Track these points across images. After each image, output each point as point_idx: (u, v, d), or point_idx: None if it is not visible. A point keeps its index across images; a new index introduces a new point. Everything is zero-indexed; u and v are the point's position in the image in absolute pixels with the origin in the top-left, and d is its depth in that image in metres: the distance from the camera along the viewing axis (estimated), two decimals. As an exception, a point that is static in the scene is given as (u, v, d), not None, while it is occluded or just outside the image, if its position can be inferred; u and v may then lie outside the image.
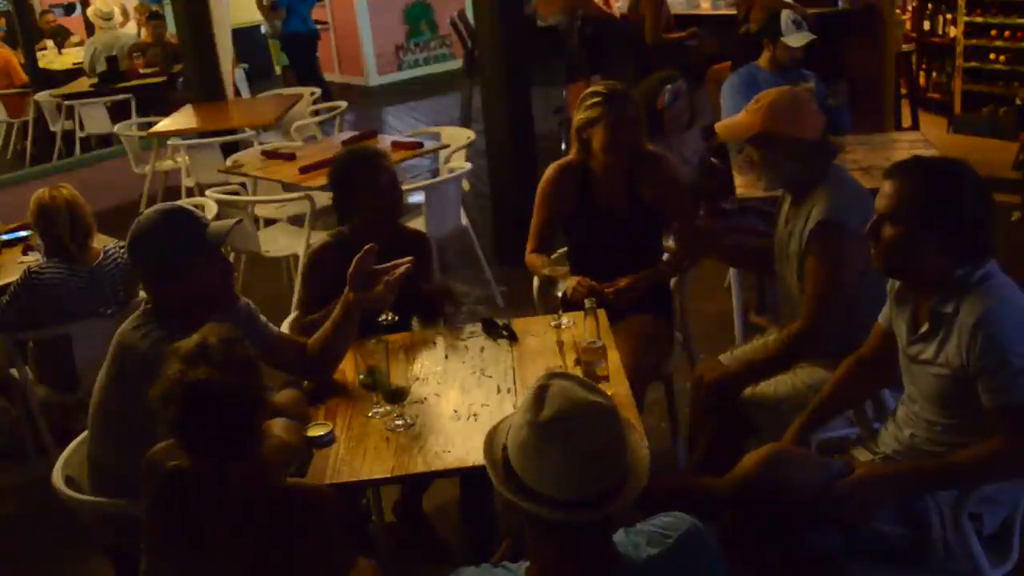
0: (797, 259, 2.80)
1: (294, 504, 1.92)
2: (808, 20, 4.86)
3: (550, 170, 3.38)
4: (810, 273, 2.74)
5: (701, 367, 3.22)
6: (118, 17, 9.07)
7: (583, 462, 1.46)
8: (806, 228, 2.73)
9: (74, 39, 10.46)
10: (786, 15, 4.65)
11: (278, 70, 11.77)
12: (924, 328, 2.25)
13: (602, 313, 2.81)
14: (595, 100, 3.20)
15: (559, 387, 1.52)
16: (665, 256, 3.45)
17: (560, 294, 2.93)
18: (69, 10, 11.17)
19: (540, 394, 1.51)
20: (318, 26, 12.63)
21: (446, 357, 2.82)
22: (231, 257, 4.83)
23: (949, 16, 7.70)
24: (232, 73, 7.91)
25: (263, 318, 2.70)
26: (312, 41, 10.27)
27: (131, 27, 9.61)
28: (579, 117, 3.25)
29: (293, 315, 3.24)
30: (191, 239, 2.37)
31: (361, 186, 3.06)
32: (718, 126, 2.99)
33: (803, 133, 2.74)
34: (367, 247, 2.66)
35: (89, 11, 9.40)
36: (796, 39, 4.61)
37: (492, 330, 2.93)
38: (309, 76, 9.81)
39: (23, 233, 4.32)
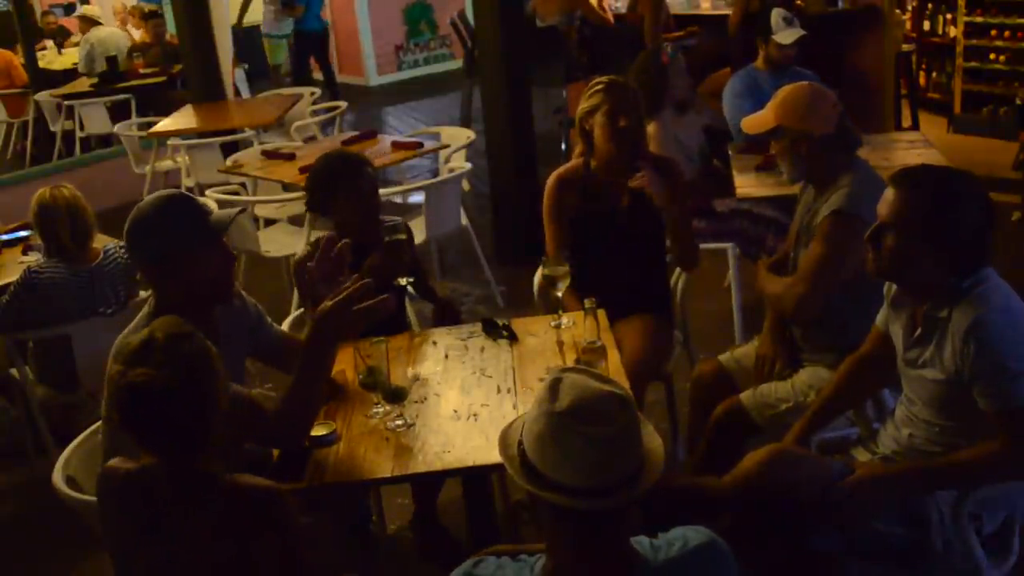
0: None
1: (245, 502, 1.89)
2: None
3: (552, 180, 3.35)
4: (809, 251, 2.77)
5: (701, 367, 3.22)
6: (113, 21, 9.08)
7: (600, 448, 1.48)
8: (820, 212, 2.76)
9: (74, 39, 10.46)
10: (776, 13, 4.66)
11: (285, 69, 11.83)
12: (918, 332, 2.26)
13: (602, 313, 2.81)
14: (596, 89, 3.21)
15: (572, 379, 1.55)
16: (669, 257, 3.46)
17: (560, 294, 2.92)
18: (69, 10, 11.17)
19: (554, 386, 1.54)
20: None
21: (446, 357, 2.82)
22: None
23: (949, 16, 7.70)
24: (232, 73, 7.91)
25: (268, 319, 2.69)
26: (327, 38, 10.44)
27: (129, 27, 9.61)
28: (581, 107, 3.25)
29: (295, 314, 3.25)
30: (193, 225, 2.30)
31: (342, 191, 3.07)
32: (744, 122, 3.01)
33: (814, 128, 2.76)
34: (339, 245, 2.50)
35: (78, 16, 9.42)
36: (786, 36, 4.62)
37: (492, 330, 2.92)
38: (321, 72, 9.93)
39: (23, 233, 4.33)
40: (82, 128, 7.92)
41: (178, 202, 2.34)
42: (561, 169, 3.38)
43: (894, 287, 2.39)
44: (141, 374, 1.81)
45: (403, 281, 3.02)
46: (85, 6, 9.19)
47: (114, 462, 1.96)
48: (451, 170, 5.24)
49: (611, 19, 7.86)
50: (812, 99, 2.81)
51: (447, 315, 3.23)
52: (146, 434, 1.87)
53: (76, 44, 9.99)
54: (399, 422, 2.45)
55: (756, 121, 2.94)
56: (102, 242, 3.74)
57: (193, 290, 2.32)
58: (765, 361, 2.96)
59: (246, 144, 6.17)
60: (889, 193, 2.21)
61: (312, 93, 7.85)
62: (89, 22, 8.93)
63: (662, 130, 4.35)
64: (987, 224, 2.17)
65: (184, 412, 1.84)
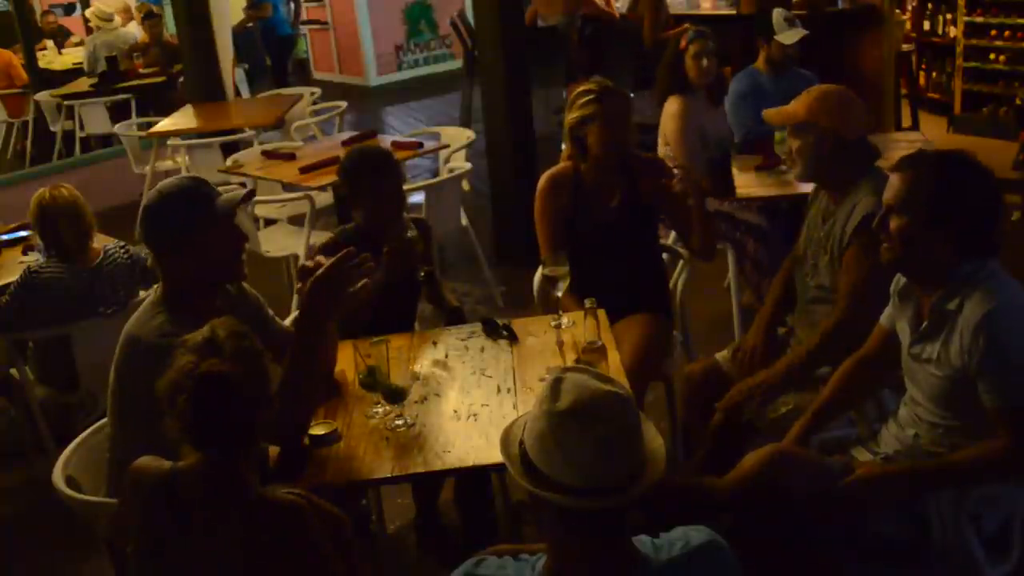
0: (838, 254, 2.80)
1: (267, 517, 1.88)
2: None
3: (543, 182, 3.35)
4: (850, 266, 2.74)
5: (692, 366, 3.22)
6: (118, 20, 9.10)
7: (601, 448, 1.49)
8: (849, 223, 2.74)
9: (74, 39, 10.47)
10: (778, 13, 4.67)
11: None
12: (925, 325, 2.25)
13: (602, 313, 2.81)
14: (589, 98, 3.20)
15: (573, 379, 1.55)
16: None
17: (559, 294, 2.92)
18: (69, 10, 11.19)
19: (555, 386, 1.54)
20: (317, 26, 12.81)
21: (446, 357, 2.82)
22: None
23: (949, 16, 7.69)
24: (232, 73, 7.91)
25: (270, 312, 2.70)
26: (293, 43, 11.19)
27: (132, 26, 9.62)
28: (572, 116, 3.24)
29: (296, 313, 3.25)
30: (207, 207, 2.37)
31: (366, 191, 3.09)
32: (767, 113, 2.99)
33: (842, 130, 2.76)
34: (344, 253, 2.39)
35: (88, 12, 9.44)
36: (789, 36, 4.62)
37: (492, 330, 2.92)
38: (284, 78, 10.29)
39: (23, 233, 4.33)
40: (82, 128, 7.92)
41: (194, 185, 2.41)
42: (552, 170, 3.38)
43: (901, 281, 2.39)
44: (216, 364, 1.83)
45: (422, 272, 3.07)
46: (97, 3, 9.19)
47: (145, 460, 1.96)
48: (451, 170, 5.23)
49: (616, 14, 7.86)
50: (846, 102, 2.80)
51: (454, 323, 3.23)
52: (211, 425, 1.86)
53: (77, 44, 9.99)
54: (399, 422, 2.45)
55: (783, 113, 2.91)
56: (102, 242, 3.73)
57: (204, 272, 2.38)
58: (752, 352, 2.96)
59: (246, 144, 6.17)
60: (893, 178, 2.23)
61: (312, 93, 7.85)
62: (99, 20, 8.94)
63: (686, 112, 4.38)
64: (992, 203, 2.18)
65: (247, 406, 1.87)
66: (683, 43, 4.48)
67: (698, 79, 4.46)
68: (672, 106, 4.48)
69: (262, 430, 2.25)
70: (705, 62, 4.43)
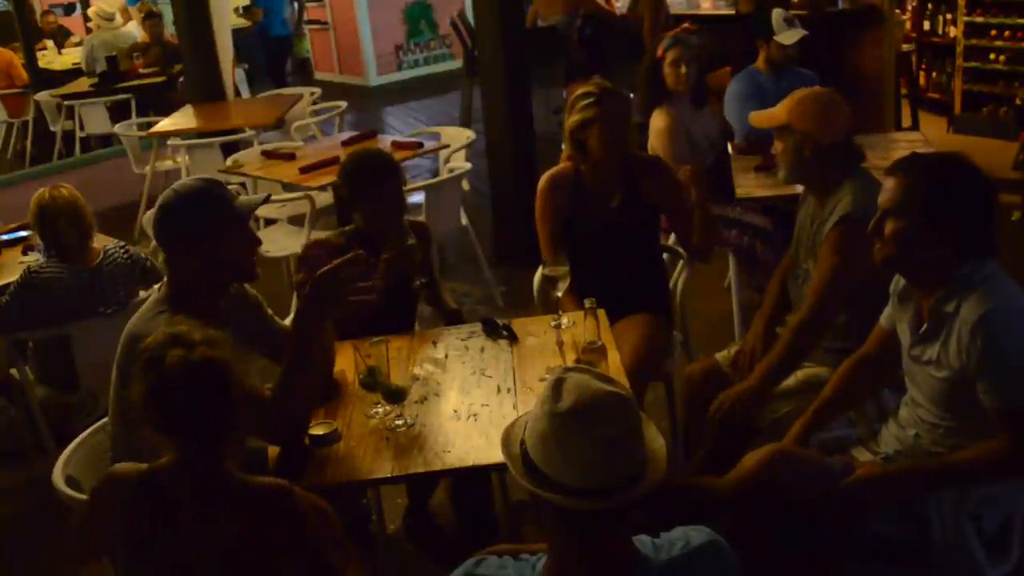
0: None
1: (256, 501, 1.89)
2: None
3: (543, 182, 3.35)
4: (818, 264, 2.76)
5: (692, 366, 3.23)
6: (119, 19, 9.10)
7: (603, 449, 1.49)
8: (827, 225, 2.76)
9: (74, 39, 10.46)
10: (777, 13, 4.66)
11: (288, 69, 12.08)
12: (924, 328, 2.25)
13: (602, 313, 2.81)
14: (589, 100, 3.20)
15: (575, 379, 1.55)
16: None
17: (559, 294, 2.93)
18: (69, 10, 11.18)
19: (557, 386, 1.54)
20: (317, 26, 12.81)
21: (446, 357, 2.82)
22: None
23: (949, 16, 7.69)
24: (232, 73, 7.91)
25: (270, 312, 2.71)
26: (290, 44, 10.91)
27: (131, 25, 9.62)
28: (573, 119, 3.23)
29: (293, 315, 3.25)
30: (225, 206, 2.39)
31: (366, 195, 3.08)
32: (752, 115, 3.00)
33: (822, 134, 2.76)
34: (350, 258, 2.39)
35: (90, 11, 9.44)
36: (788, 36, 4.62)
37: (492, 330, 2.93)
38: (282, 79, 10.32)
39: (23, 233, 4.33)
40: (82, 128, 7.91)
41: (209, 187, 2.43)
42: (552, 171, 3.38)
43: (901, 283, 2.39)
44: (206, 351, 1.84)
45: (417, 283, 3.06)
46: (99, 3, 9.20)
47: (120, 466, 1.96)
48: (451, 170, 5.24)
49: (615, 12, 7.85)
50: (827, 106, 2.80)
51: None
52: (207, 413, 1.86)
53: (76, 44, 9.99)
54: (399, 422, 2.45)
55: (766, 116, 2.93)
56: (102, 242, 3.73)
57: (216, 272, 2.40)
58: (752, 355, 2.96)
59: (246, 144, 6.17)
60: (888, 182, 2.23)
61: (312, 93, 7.85)
62: (100, 19, 8.94)
63: (672, 123, 4.36)
64: (988, 205, 2.18)
65: (237, 390, 1.88)
66: (659, 51, 4.46)
67: (676, 86, 4.43)
68: (656, 122, 4.43)
69: (261, 428, 2.26)
70: (683, 69, 4.38)
